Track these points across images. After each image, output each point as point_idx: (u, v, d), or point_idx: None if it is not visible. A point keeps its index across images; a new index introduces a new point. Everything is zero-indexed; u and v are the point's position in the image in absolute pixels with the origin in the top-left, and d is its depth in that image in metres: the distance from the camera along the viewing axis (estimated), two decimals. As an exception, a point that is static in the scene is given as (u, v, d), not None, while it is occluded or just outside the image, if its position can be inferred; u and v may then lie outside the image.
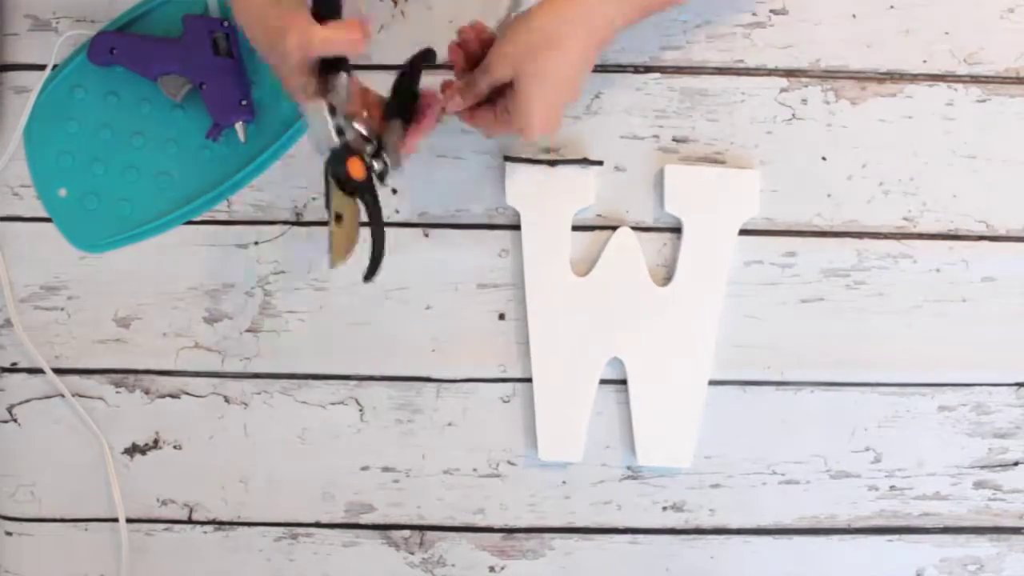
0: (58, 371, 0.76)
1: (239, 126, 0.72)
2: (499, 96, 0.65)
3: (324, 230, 0.74)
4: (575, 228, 0.74)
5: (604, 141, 0.74)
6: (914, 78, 0.73)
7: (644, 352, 0.74)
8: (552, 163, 0.72)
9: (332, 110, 0.61)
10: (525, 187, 0.73)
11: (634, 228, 0.74)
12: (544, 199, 0.73)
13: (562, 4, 0.62)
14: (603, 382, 0.75)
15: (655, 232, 0.74)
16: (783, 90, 0.73)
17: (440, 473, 0.76)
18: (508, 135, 0.67)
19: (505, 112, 0.64)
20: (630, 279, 0.73)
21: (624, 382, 0.75)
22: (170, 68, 0.71)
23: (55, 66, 0.74)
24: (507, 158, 0.73)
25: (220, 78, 0.71)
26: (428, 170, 0.74)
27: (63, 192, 0.75)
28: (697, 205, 0.73)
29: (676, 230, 0.74)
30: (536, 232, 0.73)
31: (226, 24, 0.71)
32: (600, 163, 0.73)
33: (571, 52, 0.62)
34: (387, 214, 0.74)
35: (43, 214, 0.76)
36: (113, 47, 0.71)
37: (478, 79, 0.65)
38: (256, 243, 0.75)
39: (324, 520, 0.77)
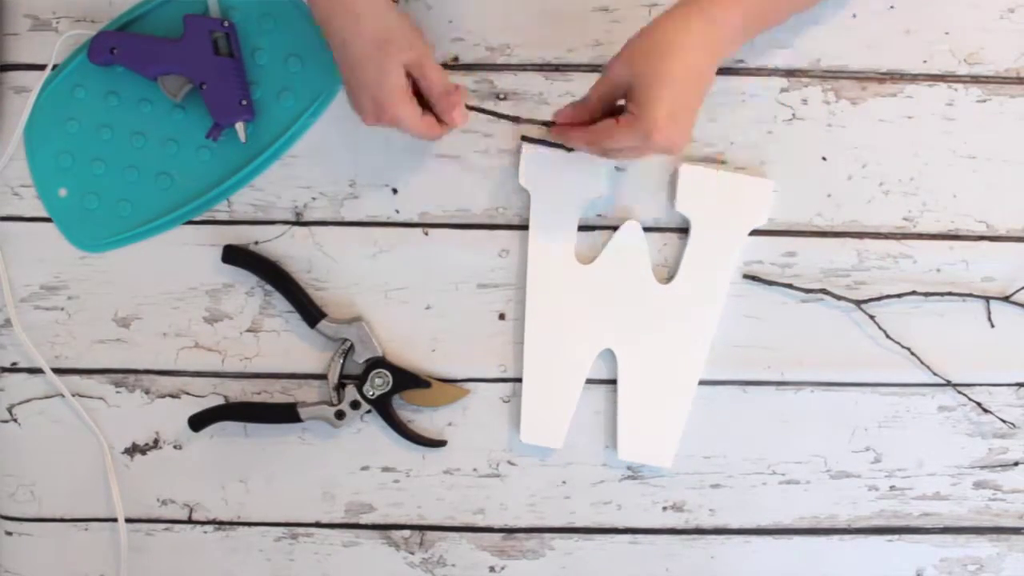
0: (58, 371, 0.76)
1: (239, 126, 0.72)
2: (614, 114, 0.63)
3: (324, 229, 0.75)
4: (578, 228, 0.74)
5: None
6: (914, 78, 0.73)
7: (637, 347, 0.74)
8: (569, 149, 0.72)
9: None
10: (539, 170, 0.72)
11: (634, 228, 0.74)
12: (557, 183, 0.73)
13: (683, 12, 0.61)
14: (603, 381, 0.75)
15: (655, 232, 0.74)
16: (783, 90, 0.73)
17: (440, 473, 0.76)
18: (632, 145, 0.61)
19: (630, 116, 0.61)
20: (633, 272, 0.73)
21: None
22: (170, 68, 0.71)
23: (55, 66, 0.74)
24: (524, 138, 0.72)
25: (220, 78, 0.71)
26: (428, 170, 0.74)
27: (63, 192, 0.75)
28: (708, 207, 0.72)
29: (677, 230, 0.74)
30: (544, 216, 0.73)
31: (226, 24, 0.71)
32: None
33: (689, 56, 0.60)
34: (387, 214, 0.75)
35: (43, 214, 0.76)
36: (113, 47, 0.71)
37: (591, 92, 0.64)
38: (256, 243, 0.75)
39: (324, 520, 0.77)
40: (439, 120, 0.66)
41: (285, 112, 0.74)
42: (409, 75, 0.64)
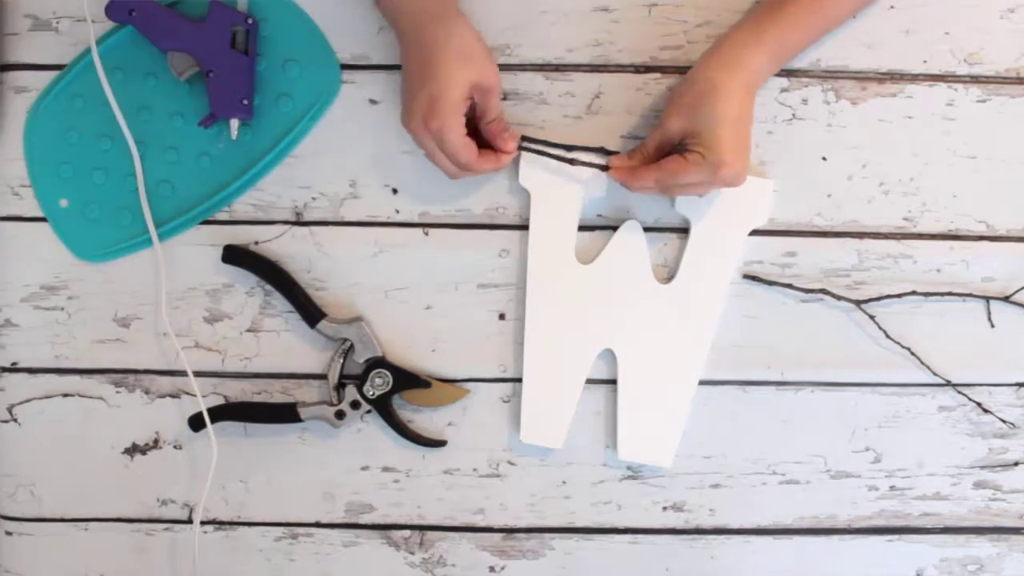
0: (58, 371, 0.76)
1: (233, 122, 0.72)
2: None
3: (324, 229, 0.74)
4: (578, 228, 0.74)
5: (604, 141, 0.72)
6: (914, 78, 0.73)
7: (638, 347, 0.74)
8: (568, 148, 0.72)
9: None
10: (539, 170, 0.72)
11: (634, 228, 0.74)
12: (557, 183, 0.73)
13: (718, 60, 0.67)
14: (602, 381, 0.75)
15: (655, 232, 0.74)
16: (783, 90, 0.73)
17: (440, 473, 0.76)
18: (700, 180, 0.66)
19: (697, 155, 0.66)
20: (632, 272, 0.73)
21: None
22: (184, 46, 0.70)
23: (57, 70, 0.74)
24: (524, 138, 0.72)
25: (230, 71, 0.70)
26: (428, 170, 0.74)
27: (64, 202, 0.75)
28: (708, 207, 0.72)
29: (676, 230, 0.74)
30: (544, 216, 0.73)
31: (250, 21, 0.71)
32: (617, 153, 0.72)
33: (735, 98, 0.66)
34: (387, 214, 0.75)
35: (43, 214, 0.75)
36: (132, 9, 0.70)
37: (648, 142, 0.69)
38: (256, 243, 0.75)
39: (324, 520, 0.77)
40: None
41: (283, 117, 0.73)
42: (469, 98, 0.67)
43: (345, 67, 0.73)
